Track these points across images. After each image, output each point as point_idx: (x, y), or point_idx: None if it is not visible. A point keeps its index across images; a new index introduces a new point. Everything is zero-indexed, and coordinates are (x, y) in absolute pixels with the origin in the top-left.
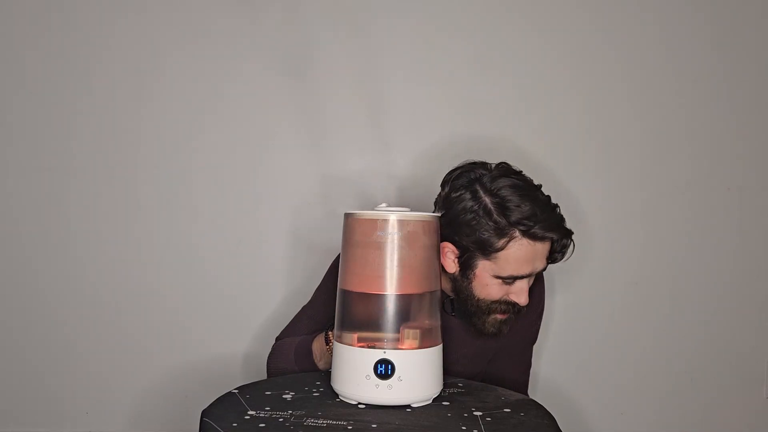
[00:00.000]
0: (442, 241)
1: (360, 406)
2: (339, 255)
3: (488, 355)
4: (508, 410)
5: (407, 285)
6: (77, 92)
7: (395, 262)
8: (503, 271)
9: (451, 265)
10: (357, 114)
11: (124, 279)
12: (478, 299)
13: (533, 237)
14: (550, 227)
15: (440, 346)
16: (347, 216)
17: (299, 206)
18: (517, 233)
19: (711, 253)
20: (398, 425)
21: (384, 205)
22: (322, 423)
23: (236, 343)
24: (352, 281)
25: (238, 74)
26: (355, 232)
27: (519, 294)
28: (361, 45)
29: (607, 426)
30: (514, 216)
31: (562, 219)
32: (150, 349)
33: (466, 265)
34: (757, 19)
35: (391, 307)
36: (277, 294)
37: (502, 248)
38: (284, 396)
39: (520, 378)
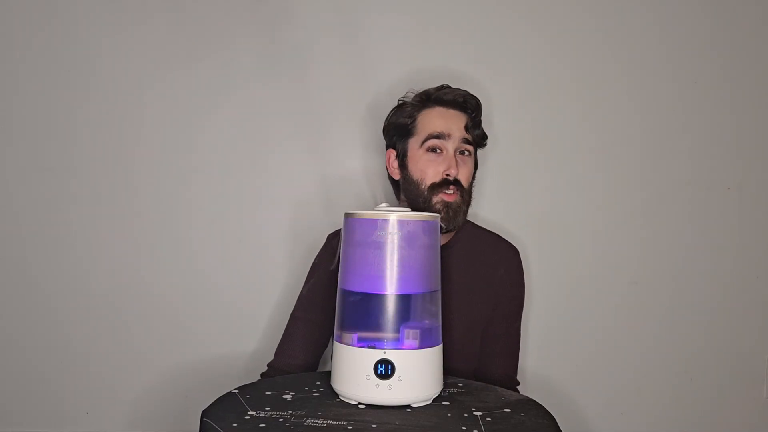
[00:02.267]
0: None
1: (360, 406)
2: (317, 256)
3: (483, 295)
4: (508, 410)
5: (407, 285)
6: (77, 92)
7: (395, 262)
8: (423, 134)
9: (395, 171)
10: (357, 113)
11: (124, 279)
12: (419, 183)
13: (442, 102)
14: (457, 89)
15: (440, 346)
16: (347, 216)
17: (299, 206)
18: (429, 102)
19: (711, 252)
20: (398, 425)
21: (384, 205)
22: (322, 423)
23: (236, 343)
24: (352, 281)
25: (237, 74)
26: (355, 232)
27: (449, 163)
28: (360, 44)
29: (607, 426)
30: (424, 92)
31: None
32: (150, 349)
33: (401, 155)
34: (757, 18)
35: (391, 307)
36: (277, 294)
37: (418, 117)
38: (284, 396)
39: (508, 354)
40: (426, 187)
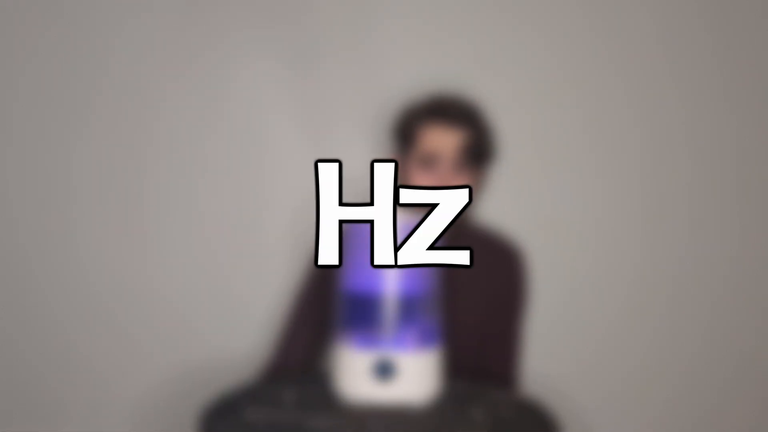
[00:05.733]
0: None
1: (360, 406)
2: (312, 255)
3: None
4: (509, 410)
5: (407, 285)
6: (77, 91)
7: (395, 262)
8: (418, 150)
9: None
10: (361, 114)
11: (124, 279)
12: None
13: (443, 117)
14: (460, 103)
15: (440, 347)
16: None
17: (299, 206)
18: (431, 116)
19: (712, 252)
20: (398, 426)
21: None
22: (322, 423)
23: (236, 343)
24: (352, 281)
25: (238, 72)
26: (356, 232)
27: (439, 181)
28: (363, 43)
29: (608, 426)
30: (428, 102)
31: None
32: (150, 349)
33: (398, 164)
34: (759, 18)
35: (391, 307)
36: (277, 294)
37: (416, 131)
38: (284, 396)
39: (505, 353)
40: None
